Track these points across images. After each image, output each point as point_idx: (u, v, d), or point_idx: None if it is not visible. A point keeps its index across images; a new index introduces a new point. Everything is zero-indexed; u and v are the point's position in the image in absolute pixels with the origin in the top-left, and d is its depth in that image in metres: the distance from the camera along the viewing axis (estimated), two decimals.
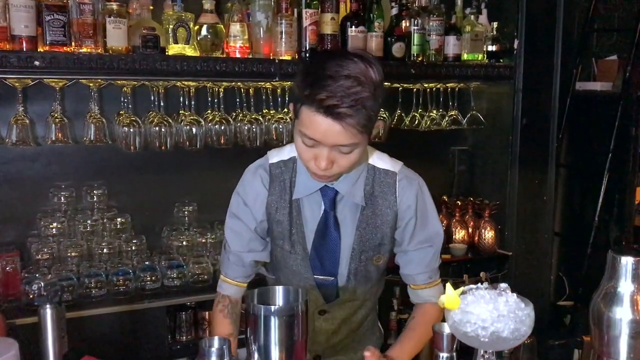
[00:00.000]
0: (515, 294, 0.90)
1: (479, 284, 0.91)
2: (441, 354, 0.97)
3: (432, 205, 1.54)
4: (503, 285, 0.91)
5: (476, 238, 3.04)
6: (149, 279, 2.38)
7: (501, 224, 3.05)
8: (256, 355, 0.98)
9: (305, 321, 1.00)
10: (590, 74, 3.46)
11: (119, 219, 2.47)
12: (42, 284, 1.12)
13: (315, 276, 1.49)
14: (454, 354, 0.97)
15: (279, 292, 1.07)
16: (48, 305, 1.13)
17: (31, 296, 1.60)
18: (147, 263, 2.42)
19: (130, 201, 2.57)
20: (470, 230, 3.06)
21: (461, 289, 0.90)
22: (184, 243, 2.51)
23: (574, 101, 3.27)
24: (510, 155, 3.00)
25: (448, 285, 0.88)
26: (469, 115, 3.01)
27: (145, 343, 2.34)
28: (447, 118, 2.93)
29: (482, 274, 2.98)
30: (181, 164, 2.61)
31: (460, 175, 3.23)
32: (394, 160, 1.54)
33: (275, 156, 1.51)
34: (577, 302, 3.19)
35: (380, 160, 1.52)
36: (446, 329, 0.94)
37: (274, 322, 0.97)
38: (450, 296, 0.87)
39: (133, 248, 2.45)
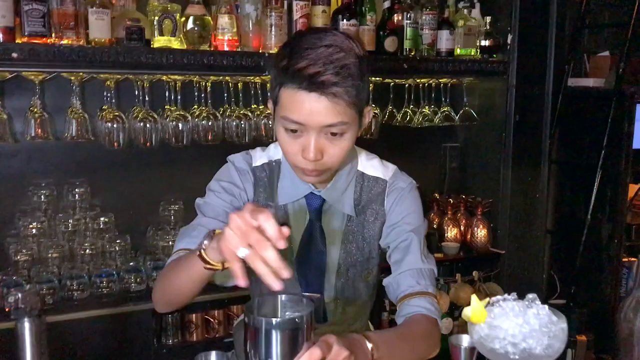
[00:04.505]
0: (546, 306, 0.82)
1: (506, 295, 0.84)
2: None
3: (418, 213, 1.39)
4: (531, 295, 0.84)
5: (468, 236, 2.99)
6: (133, 280, 2.30)
7: (493, 222, 3.00)
8: None
9: (311, 335, 0.92)
10: (582, 70, 3.42)
11: (102, 218, 2.38)
12: (20, 295, 1.02)
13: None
14: None
15: (282, 301, 0.98)
16: (26, 319, 1.04)
17: (7, 309, 1.50)
18: (131, 264, 2.34)
19: (114, 200, 2.48)
20: (462, 228, 3.01)
21: (486, 300, 0.83)
22: (170, 243, 2.41)
23: (566, 97, 3.22)
24: (502, 152, 2.96)
25: (473, 296, 0.81)
26: (461, 112, 2.95)
27: (131, 347, 2.27)
28: (439, 114, 2.88)
29: (474, 273, 2.94)
30: (167, 161, 2.52)
31: (452, 173, 3.18)
32: (385, 165, 1.42)
33: (259, 158, 1.39)
34: (569, 300, 3.15)
35: (369, 166, 1.40)
36: (464, 341, 0.87)
37: (276, 336, 0.88)
38: (475, 308, 0.80)
39: (117, 248, 2.36)
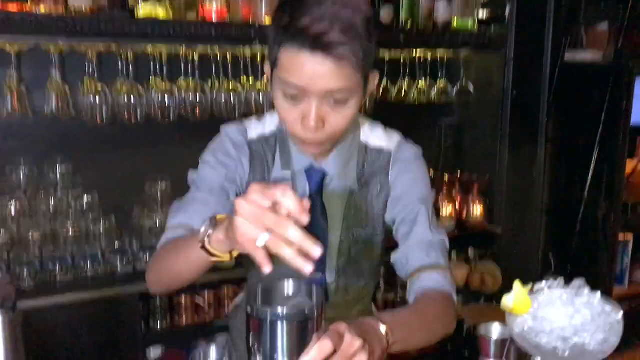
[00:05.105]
0: (598, 293, 0.72)
1: (551, 280, 0.73)
2: None
3: (425, 183, 1.31)
4: (577, 282, 0.74)
5: (464, 214, 2.93)
6: (119, 262, 2.22)
7: (489, 200, 2.94)
8: None
9: (322, 325, 0.82)
10: (579, 44, 3.33)
11: (85, 198, 2.27)
12: None
13: None
14: None
15: (288, 287, 0.88)
16: None
17: None
18: (117, 245, 2.26)
19: (97, 178, 2.36)
20: (457, 206, 2.94)
21: (528, 286, 0.73)
22: (158, 224, 2.32)
23: (564, 72, 3.14)
24: (499, 129, 2.88)
25: (517, 283, 0.71)
26: (458, 86, 2.86)
27: (117, 332, 2.18)
28: (435, 89, 2.78)
29: (470, 251, 2.89)
30: (152, 138, 2.41)
31: (448, 150, 3.10)
32: (389, 134, 1.32)
33: (254, 129, 1.29)
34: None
35: (373, 136, 1.30)
36: (494, 332, 0.78)
37: (283, 329, 0.78)
38: (519, 297, 0.70)
39: (101, 229, 2.26)
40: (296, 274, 0.78)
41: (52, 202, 2.22)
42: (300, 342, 0.79)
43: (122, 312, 2.17)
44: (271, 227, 0.78)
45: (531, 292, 0.73)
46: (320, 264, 1.28)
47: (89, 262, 2.17)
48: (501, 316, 2.87)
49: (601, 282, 3.07)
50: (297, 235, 0.77)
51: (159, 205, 2.39)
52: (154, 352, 2.38)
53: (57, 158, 2.27)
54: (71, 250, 2.17)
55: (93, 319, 2.11)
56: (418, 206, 1.25)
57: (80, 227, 2.22)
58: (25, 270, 2.06)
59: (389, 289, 2.76)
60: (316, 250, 0.77)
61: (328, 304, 1.29)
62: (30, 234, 2.15)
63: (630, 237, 3.25)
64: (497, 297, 2.97)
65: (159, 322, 2.30)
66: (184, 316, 2.34)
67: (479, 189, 2.90)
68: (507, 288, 2.88)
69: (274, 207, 0.80)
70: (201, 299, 2.36)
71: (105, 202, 2.34)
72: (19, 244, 2.13)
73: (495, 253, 2.96)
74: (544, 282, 0.74)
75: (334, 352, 0.80)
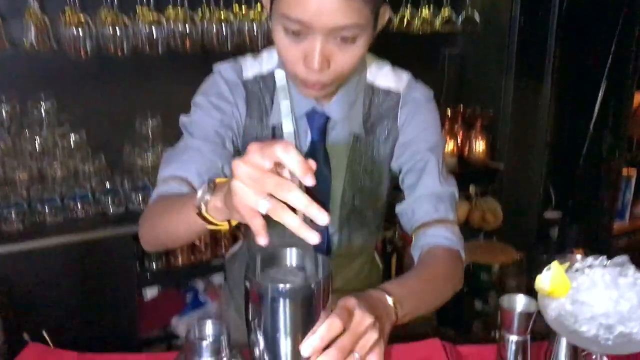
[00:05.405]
0: None
1: (590, 259, 0.65)
2: (510, 337, 0.73)
3: (435, 128, 1.19)
4: (620, 258, 0.65)
5: (466, 150, 2.85)
6: (111, 202, 2.15)
7: (492, 135, 2.85)
8: (261, 344, 0.72)
9: (328, 300, 0.74)
10: None
11: (72, 136, 2.18)
12: None
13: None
14: (528, 336, 0.73)
15: (291, 257, 0.80)
16: None
17: None
18: (107, 185, 2.18)
19: (84, 115, 2.25)
20: (459, 141, 2.85)
21: (566, 264, 0.64)
22: (149, 162, 2.23)
23: None
24: (505, 61, 2.75)
25: (554, 263, 0.62)
26: (463, 16, 2.71)
27: (111, 274, 2.13)
28: (439, 18, 2.63)
29: (471, 187, 2.83)
30: (141, 71, 2.29)
31: (451, 82, 2.98)
32: (398, 74, 1.19)
33: (250, 68, 1.16)
34: (566, 214, 3.06)
35: (380, 76, 1.17)
36: (518, 304, 0.70)
37: (287, 306, 0.70)
38: (556, 277, 0.61)
39: (91, 168, 2.18)
40: (300, 242, 0.69)
41: (37, 141, 2.13)
42: (305, 320, 0.70)
43: (115, 253, 2.12)
44: (272, 191, 0.68)
45: (569, 270, 0.65)
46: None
47: (78, 203, 2.10)
48: (500, 252, 2.82)
49: (602, 217, 3.04)
50: (301, 200, 0.67)
51: (150, 143, 2.30)
52: (150, 292, 2.36)
53: (40, 94, 2.16)
54: (60, 191, 2.10)
55: (85, 261, 2.05)
56: (427, 155, 1.15)
57: (68, 167, 2.15)
58: (13, 212, 1.99)
59: (388, 226, 2.71)
60: (322, 218, 0.68)
61: (332, 258, 1.22)
62: (17, 174, 2.07)
63: (633, 172, 3.19)
64: (496, 233, 2.95)
65: (153, 262, 2.26)
66: (179, 256, 2.29)
67: (482, 124, 2.80)
68: (507, 224, 2.81)
69: (276, 168, 0.70)
70: (197, 239, 2.30)
71: (93, 140, 2.25)
72: (5, 185, 2.06)
73: (496, 189, 2.90)
74: (584, 260, 0.65)
75: (343, 330, 0.73)
